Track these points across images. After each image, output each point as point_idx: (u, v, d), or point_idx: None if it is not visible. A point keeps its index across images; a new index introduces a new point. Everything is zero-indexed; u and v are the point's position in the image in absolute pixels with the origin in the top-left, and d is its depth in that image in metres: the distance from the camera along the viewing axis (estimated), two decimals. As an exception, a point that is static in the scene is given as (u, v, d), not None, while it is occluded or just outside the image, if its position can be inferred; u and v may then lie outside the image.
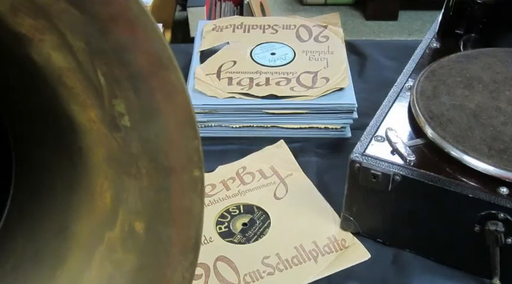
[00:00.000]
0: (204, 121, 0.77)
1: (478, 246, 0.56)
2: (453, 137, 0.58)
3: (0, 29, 0.38)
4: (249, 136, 0.78)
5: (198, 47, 0.86)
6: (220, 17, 1.82)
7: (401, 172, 0.58)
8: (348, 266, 0.62)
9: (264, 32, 0.89)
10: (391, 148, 0.60)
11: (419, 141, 0.61)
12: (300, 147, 0.77)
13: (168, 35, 1.80)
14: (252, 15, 1.77)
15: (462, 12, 0.77)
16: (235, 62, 0.82)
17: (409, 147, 0.60)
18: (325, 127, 0.77)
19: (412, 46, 0.78)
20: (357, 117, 0.77)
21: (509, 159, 0.56)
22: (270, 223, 0.66)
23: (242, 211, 0.68)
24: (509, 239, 0.55)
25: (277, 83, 0.77)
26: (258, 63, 0.81)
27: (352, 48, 0.93)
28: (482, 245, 0.56)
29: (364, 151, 0.60)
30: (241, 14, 1.86)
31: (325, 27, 0.89)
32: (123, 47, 0.36)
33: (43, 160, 0.49)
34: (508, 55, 0.69)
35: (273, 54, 0.83)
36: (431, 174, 0.57)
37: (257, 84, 0.77)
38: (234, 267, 0.61)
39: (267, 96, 0.76)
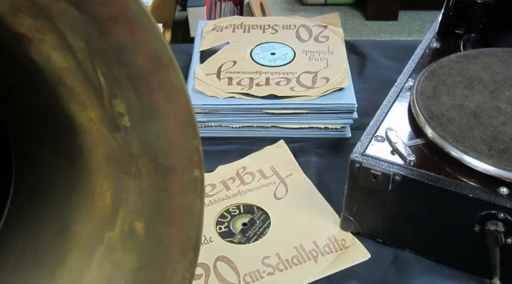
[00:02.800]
0: (204, 121, 0.77)
1: (478, 246, 0.56)
2: (453, 137, 0.58)
3: (0, 29, 0.38)
4: (249, 136, 0.78)
5: (198, 47, 0.86)
6: (220, 17, 1.82)
7: (401, 172, 0.58)
8: (348, 266, 0.62)
9: (264, 32, 0.89)
10: (391, 148, 0.60)
11: (419, 141, 0.61)
12: (300, 147, 0.77)
13: (168, 35, 1.80)
14: (252, 15, 1.77)
15: (462, 12, 0.77)
16: (235, 62, 0.82)
17: (409, 147, 0.60)
18: (325, 127, 0.77)
19: (412, 46, 0.78)
20: (357, 117, 0.77)
21: (509, 159, 0.56)
22: (270, 223, 0.66)
23: (242, 211, 0.68)
24: (509, 239, 0.55)
25: (277, 83, 0.77)
26: (258, 63, 0.81)
27: (352, 48, 0.93)
28: (482, 245, 0.56)
29: (364, 151, 0.60)
30: (241, 14, 1.87)
31: (325, 27, 0.89)
32: (123, 47, 0.36)
33: (43, 160, 0.49)
34: (508, 55, 0.69)
35: (273, 54, 0.83)
36: (431, 174, 0.57)
37: (257, 84, 0.77)
38: (234, 267, 0.61)
39: (267, 96, 0.76)
